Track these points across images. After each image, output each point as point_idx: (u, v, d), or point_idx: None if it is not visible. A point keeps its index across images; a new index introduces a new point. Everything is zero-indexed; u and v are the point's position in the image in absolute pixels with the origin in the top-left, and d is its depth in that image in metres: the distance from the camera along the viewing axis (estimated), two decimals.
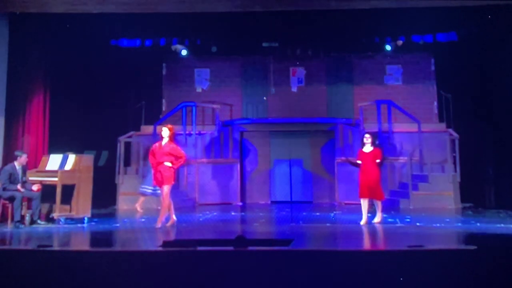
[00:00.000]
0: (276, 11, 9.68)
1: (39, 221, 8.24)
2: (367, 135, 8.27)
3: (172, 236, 7.15)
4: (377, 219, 8.12)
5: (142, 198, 10.38)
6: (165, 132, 7.96)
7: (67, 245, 6.76)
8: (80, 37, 10.63)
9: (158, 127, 8.30)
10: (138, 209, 10.24)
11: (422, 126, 11.87)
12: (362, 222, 8.03)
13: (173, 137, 8.06)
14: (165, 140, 7.95)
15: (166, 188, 7.81)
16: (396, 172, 11.88)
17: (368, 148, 8.17)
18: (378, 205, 8.17)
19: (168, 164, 7.82)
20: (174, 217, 8.04)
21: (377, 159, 8.05)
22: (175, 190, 11.91)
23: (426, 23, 11.13)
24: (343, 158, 10.28)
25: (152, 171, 8.01)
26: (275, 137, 12.81)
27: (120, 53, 12.30)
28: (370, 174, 7.99)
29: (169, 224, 7.94)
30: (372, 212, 8.27)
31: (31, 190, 8.19)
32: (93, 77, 11.28)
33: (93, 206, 8.89)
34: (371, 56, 13.11)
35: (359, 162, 8.21)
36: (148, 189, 10.21)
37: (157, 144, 8.06)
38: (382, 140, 12.13)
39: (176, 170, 8.22)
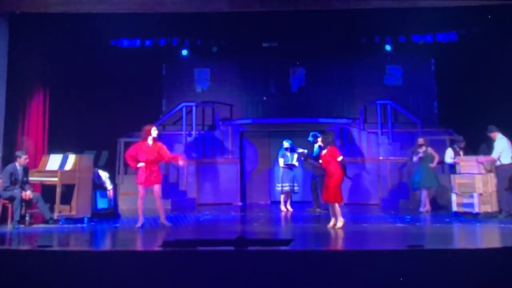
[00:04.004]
0: (276, 11, 9.68)
1: (50, 220, 8.22)
2: (319, 139, 7.96)
3: (172, 236, 7.15)
4: (338, 223, 7.59)
5: (288, 198, 10.63)
6: (155, 132, 8.02)
7: (67, 245, 6.75)
8: (80, 37, 10.62)
9: (146, 126, 8.17)
10: (289, 208, 10.47)
11: (422, 126, 11.88)
12: (329, 225, 7.70)
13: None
14: (151, 140, 7.98)
15: (158, 188, 7.95)
16: (396, 172, 11.89)
17: (324, 150, 7.87)
18: (334, 208, 7.64)
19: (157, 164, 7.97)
20: (143, 219, 8.03)
21: (335, 158, 7.64)
22: (175, 190, 11.99)
23: (426, 23, 11.13)
24: (303, 152, 10.11)
25: (140, 170, 7.92)
26: (275, 137, 12.80)
27: (120, 53, 12.29)
28: (329, 175, 7.66)
29: (138, 224, 7.93)
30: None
31: (24, 195, 8.14)
32: (93, 77, 11.27)
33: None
34: (371, 56, 13.10)
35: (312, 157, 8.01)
36: (286, 186, 10.46)
37: (141, 143, 8.02)
38: (382, 140, 12.17)
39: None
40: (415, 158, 9.98)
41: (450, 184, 9.35)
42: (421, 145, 9.97)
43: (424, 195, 9.87)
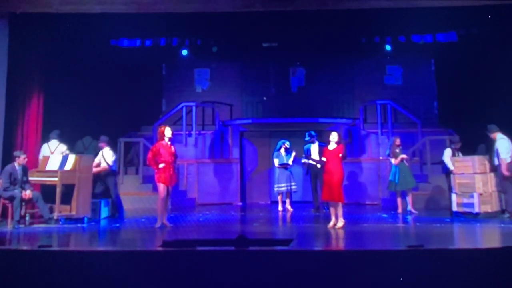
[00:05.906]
0: (276, 11, 9.68)
1: (49, 220, 8.20)
2: (334, 133, 7.84)
3: (172, 236, 7.15)
4: (339, 223, 7.56)
5: (286, 198, 10.59)
6: (169, 132, 8.13)
7: (67, 245, 6.75)
8: (80, 37, 10.62)
9: (160, 127, 8.37)
10: (289, 208, 10.38)
11: (422, 126, 11.87)
12: (329, 225, 7.67)
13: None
14: (168, 140, 8.11)
15: (171, 187, 8.17)
16: None
17: (332, 146, 7.81)
18: (337, 208, 7.64)
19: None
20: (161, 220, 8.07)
21: (340, 154, 7.67)
22: (175, 190, 11.97)
23: (426, 23, 11.12)
24: (305, 160, 10.09)
25: (161, 170, 7.94)
26: (275, 137, 12.80)
27: (120, 53, 12.29)
28: (332, 173, 7.61)
29: (157, 225, 7.97)
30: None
31: (24, 195, 8.14)
32: (93, 77, 11.27)
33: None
34: (371, 56, 13.10)
35: (324, 159, 7.93)
36: (282, 187, 10.43)
37: (163, 143, 8.10)
38: (382, 140, 12.17)
39: None
40: (393, 161, 9.79)
41: (446, 184, 9.36)
42: (398, 145, 9.85)
43: (399, 199, 9.86)
